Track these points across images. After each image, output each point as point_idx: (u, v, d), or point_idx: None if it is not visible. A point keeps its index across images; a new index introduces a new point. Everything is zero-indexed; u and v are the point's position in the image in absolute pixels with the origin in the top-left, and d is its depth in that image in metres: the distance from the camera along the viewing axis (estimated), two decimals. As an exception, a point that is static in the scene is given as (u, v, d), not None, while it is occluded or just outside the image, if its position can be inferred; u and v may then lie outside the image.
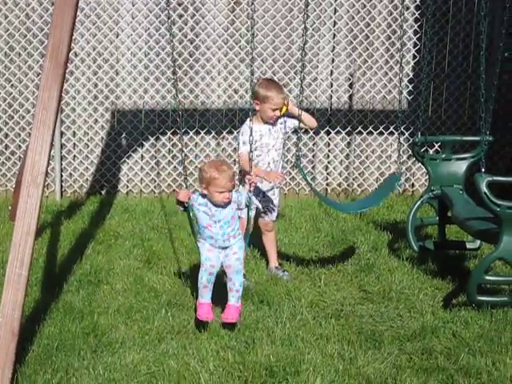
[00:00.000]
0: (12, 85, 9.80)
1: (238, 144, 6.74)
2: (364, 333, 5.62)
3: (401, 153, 7.30)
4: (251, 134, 5.96)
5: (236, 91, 10.07)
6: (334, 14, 10.13)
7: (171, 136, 10.08)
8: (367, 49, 10.21)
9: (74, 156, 10.04)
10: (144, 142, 10.10)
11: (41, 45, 9.62)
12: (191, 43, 9.92)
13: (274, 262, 7.01)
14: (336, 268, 7.10)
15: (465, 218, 6.41)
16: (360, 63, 10.24)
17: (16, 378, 4.78)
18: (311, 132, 9.95)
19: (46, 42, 5.71)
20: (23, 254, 4.93)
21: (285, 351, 5.23)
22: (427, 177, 7.66)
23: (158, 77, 9.96)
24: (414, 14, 10.18)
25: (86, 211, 9.08)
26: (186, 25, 9.89)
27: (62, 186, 10.01)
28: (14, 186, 8.84)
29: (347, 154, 10.46)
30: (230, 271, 5.68)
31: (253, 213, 6.12)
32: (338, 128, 10.29)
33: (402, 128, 10.09)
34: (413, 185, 10.60)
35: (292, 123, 6.78)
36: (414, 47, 10.25)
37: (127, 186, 10.14)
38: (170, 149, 10.14)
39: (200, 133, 10.03)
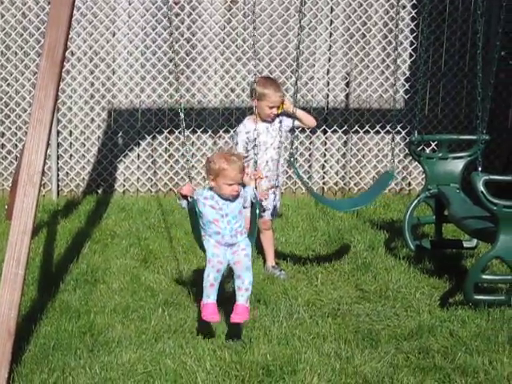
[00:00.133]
0: (8, 84, 9.79)
1: (237, 144, 6.74)
2: (361, 332, 5.62)
3: (397, 151, 7.31)
4: (254, 132, 5.86)
5: (233, 90, 10.07)
6: (331, 12, 10.12)
7: (168, 135, 10.07)
8: (364, 48, 10.21)
9: (71, 155, 10.03)
10: (141, 141, 10.09)
11: (37, 44, 9.61)
12: (188, 42, 9.91)
13: (271, 261, 7.01)
14: (333, 267, 7.09)
15: (461, 217, 6.41)
16: (357, 62, 10.23)
17: (12, 377, 4.78)
18: (308, 131, 9.95)
19: (43, 40, 5.69)
20: (19, 253, 4.92)
21: (282, 350, 5.23)
22: (424, 175, 7.66)
23: (154, 76, 9.95)
24: (411, 12, 10.18)
25: (83, 210, 9.07)
26: (182, 24, 9.88)
27: (58, 185, 10.00)
28: (10, 185, 8.83)
29: (344, 153, 10.46)
30: (239, 268, 5.39)
31: (263, 206, 5.92)
32: (335, 127, 10.28)
33: (398, 127, 10.13)
34: (409, 184, 10.60)
35: (290, 122, 6.78)
36: (410, 46, 10.25)
37: (124, 185, 10.13)
38: (166, 148, 10.13)
39: (197, 131, 10.03)
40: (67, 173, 10.03)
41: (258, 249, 7.25)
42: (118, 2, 9.79)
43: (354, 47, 10.17)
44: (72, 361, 5.07)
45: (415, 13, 10.12)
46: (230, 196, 5.36)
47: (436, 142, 9.52)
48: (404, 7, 10.17)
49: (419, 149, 7.57)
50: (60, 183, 10.03)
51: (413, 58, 10.24)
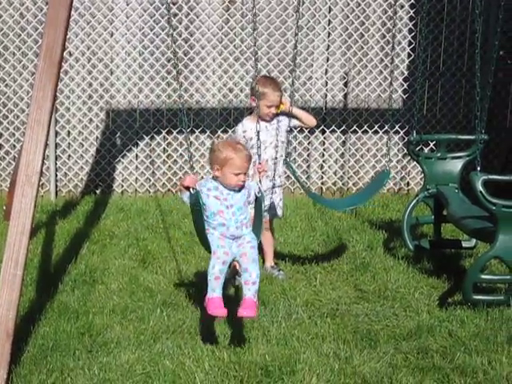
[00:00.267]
0: (6, 84, 9.78)
1: None
2: (360, 332, 5.61)
3: (395, 151, 7.30)
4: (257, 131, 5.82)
5: (231, 90, 10.06)
6: (329, 12, 10.12)
7: (166, 135, 10.07)
8: (362, 47, 10.21)
9: (69, 155, 10.02)
10: (139, 142, 10.08)
11: (35, 44, 9.61)
12: (186, 42, 9.91)
13: (270, 261, 7.00)
14: (331, 267, 7.09)
15: (460, 217, 6.40)
16: (355, 62, 10.23)
17: (11, 378, 4.77)
18: (306, 131, 9.95)
19: (41, 41, 5.68)
20: (18, 254, 4.91)
21: (280, 351, 5.22)
22: (422, 175, 7.66)
23: (152, 76, 9.94)
24: (409, 12, 10.18)
25: (81, 211, 9.06)
26: (180, 24, 9.88)
27: (56, 186, 9.99)
28: (8, 185, 8.82)
29: (342, 153, 10.45)
30: (245, 261, 5.19)
31: (264, 205, 5.79)
32: (333, 127, 10.28)
33: (397, 126, 10.13)
34: (408, 183, 10.60)
35: (292, 122, 6.76)
36: (408, 46, 10.25)
37: (122, 186, 10.13)
38: (164, 148, 10.12)
39: (195, 132, 10.02)
40: (65, 173, 10.02)
41: (258, 249, 7.24)
42: (115, 3, 9.79)
43: (352, 47, 10.17)
44: (71, 361, 5.06)
45: (413, 12, 10.13)
46: (236, 186, 5.24)
47: (434, 142, 9.52)
48: (402, 7, 10.18)
49: (418, 149, 7.56)
50: (58, 184, 10.02)
51: (411, 58, 10.24)
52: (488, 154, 10.08)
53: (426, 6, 7.28)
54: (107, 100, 9.95)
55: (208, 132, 10.07)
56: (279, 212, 7.00)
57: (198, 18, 9.89)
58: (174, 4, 9.77)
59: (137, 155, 10.14)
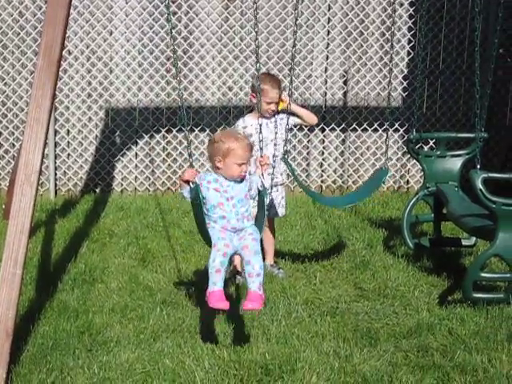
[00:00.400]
0: (5, 83, 9.77)
1: None
2: (360, 330, 5.61)
3: (395, 149, 7.28)
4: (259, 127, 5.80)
5: (230, 88, 10.06)
6: (328, 10, 10.12)
7: (165, 134, 10.06)
8: (361, 46, 10.20)
9: (68, 154, 10.01)
10: (138, 140, 10.08)
11: (34, 43, 9.60)
12: (185, 41, 9.90)
13: (269, 259, 6.99)
14: (331, 265, 7.09)
15: (460, 215, 6.40)
16: (354, 60, 10.22)
17: (11, 377, 4.76)
18: (306, 129, 9.95)
19: (40, 39, 5.67)
20: (17, 253, 4.91)
21: (280, 349, 5.22)
22: (422, 173, 7.65)
23: (151, 74, 9.94)
24: (409, 10, 10.17)
25: (81, 209, 9.05)
26: (179, 22, 9.87)
27: (56, 185, 9.99)
28: (7, 184, 8.82)
29: (342, 151, 10.45)
30: (247, 253, 5.08)
31: (267, 200, 5.73)
32: (333, 125, 10.28)
33: (396, 124, 10.13)
34: (408, 181, 10.60)
35: (292, 120, 6.76)
36: (408, 44, 10.25)
37: (122, 184, 10.12)
38: (164, 146, 10.12)
39: (194, 130, 10.01)
40: (65, 172, 10.02)
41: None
42: (114, 1, 9.78)
43: (352, 45, 10.17)
44: (70, 361, 5.05)
45: (413, 10, 10.12)
46: (239, 177, 5.19)
47: (434, 140, 9.51)
48: (401, 5, 10.17)
49: (417, 147, 7.57)
50: (58, 182, 10.02)
51: (410, 56, 10.24)
52: (488, 152, 10.08)
53: (425, 4, 7.27)
54: (106, 98, 9.94)
55: (207, 130, 10.06)
56: (281, 210, 6.99)
57: (197, 16, 9.88)
58: (173, 2, 9.76)
59: (136, 154, 10.13)
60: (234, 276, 6.60)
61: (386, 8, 10.11)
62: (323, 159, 10.41)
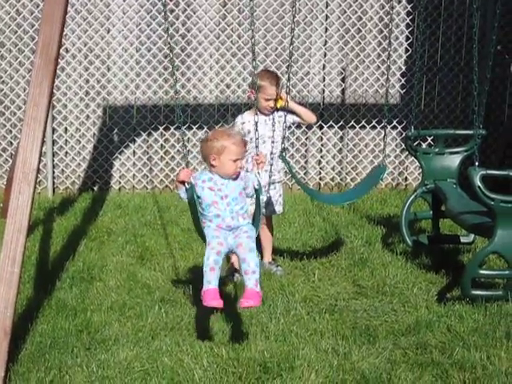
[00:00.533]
0: (3, 81, 9.76)
1: None
2: (358, 328, 5.60)
3: (393, 146, 7.27)
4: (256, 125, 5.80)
5: (228, 86, 10.05)
6: (326, 7, 10.11)
7: (163, 131, 10.06)
8: (359, 42, 10.19)
9: (66, 152, 10.01)
10: (136, 138, 10.07)
11: (31, 41, 9.59)
12: (183, 38, 9.89)
13: (267, 257, 6.99)
14: (330, 263, 7.09)
15: (459, 212, 6.40)
16: (352, 57, 10.22)
17: (9, 376, 4.76)
18: (304, 126, 9.94)
19: (37, 38, 5.66)
20: (15, 252, 4.90)
21: (279, 347, 5.21)
22: (420, 171, 7.64)
23: (149, 72, 9.93)
24: (406, 7, 10.17)
25: (79, 208, 9.05)
26: (177, 20, 9.86)
27: (54, 183, 9.99)
28: (5, 183, 8.81)
29: (340, 149, 10.45)
30: (242, 251, 5.08)
31: (264, 198, 5.70)
32: (331, 122, 10.27)
33: (395, 122, 10.13)
34: (406, 179, 10.60)
35: (291, 118, 6.74)
36: (406, 41, 10.24)
37: (119, 182, 10.12)
38: (162, 144, 10.11)
39: (192, 128, 10.01)
40: (63, 170, 10.01)
41: (257, 244, 7.24)
42: (112, -1, 9.78)
43: (350, 42, 10.16)
44: (69, 359, 5.05)
45: (411, 7, 10.12)
46: (234, 174, 5.21)
47: (432, 137, 9.51)
48: (399, 1, 10.17)
49: (416, 144, 7.56)
50: (55, 181, 10.02)
51: (408, 53, 10.23)
52: (486, 148, 10.08)
53: (423, 1, 7.29)
54: (104, 96, 9.94)
55: (205, 128, 10.05)
56: (279, 208, 6.98)
57: (195, 13, 9.88)
58: (170, 0, 9.75)
59: (134, 152, 10.12)
60: (232, 274, 6.60)
61: (384, 5, 10.11)
62: (321, 156, 10.41)
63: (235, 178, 5.24)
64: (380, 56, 10.23)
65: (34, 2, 9.60)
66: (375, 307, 6.04)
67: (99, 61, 9.86)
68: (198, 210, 5.17)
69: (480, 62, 6.56)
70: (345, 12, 10.10)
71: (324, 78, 10.25)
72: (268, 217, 6.96)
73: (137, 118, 10.02)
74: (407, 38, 10.22)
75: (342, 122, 10.30)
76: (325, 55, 10.23)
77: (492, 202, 5.64)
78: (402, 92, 10.32)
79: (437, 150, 7.25)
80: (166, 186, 10.12)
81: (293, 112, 6.75)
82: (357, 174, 10.41)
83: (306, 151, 10.37)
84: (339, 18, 10.11)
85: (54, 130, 9.89)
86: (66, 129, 9.97)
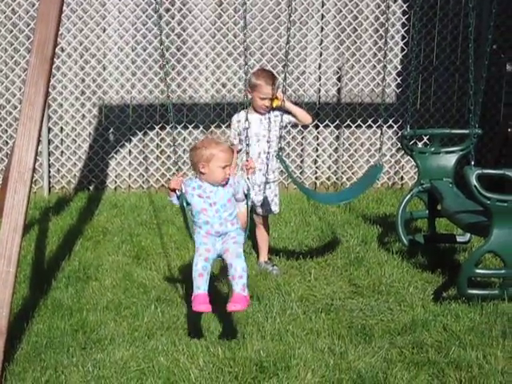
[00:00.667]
0: (-2, 80, 9.75)
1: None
2: (354, 327, 5.61)
3: (389, 145, 7.27)
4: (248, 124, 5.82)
5: (224, 85, 10.04)
6: (322, 7, 10.11)
7: (159, 131, 10.05)
8: (355, 42, 10.19)
9: (62, 152, 9.99)
10: (132, 137, 10.06)
11: (27, 40, 9.57)
12: (178, 37, 9.88)
13: (263, 256, 7.00)
14: (326, 262, 7.09)
15: (455, 212, 6.40)
16: (348, 56, 10.22)
17: (5, 376, 4.76)
18: (300, 126, 9.93)
19: (33, 37, 5.66)
20: (11, 251, 4.91)
21: (275, 346, 5.21)
22: (416, 170, 7.64)
23: (145, 71, 9.92)
24: (402, 6, 10.17)
25: (74, 207, 9.04)
26: (173, 19, 9.85)
27: (49, 182, 9.97)
28: (0, 182, 8.79)
29: (336, 148, 10.45)
30: (229, 256, 5.25)
31: (258, 201, 5.80)
32: (327, 121, 10.27)
33: (390, 121, 10.13)
34: (402, 178, 10.60)
35: (286, 118, 6.73)
36: (401, 40, 10.24)
37: (115, 182, 10.11)
38: (158, 143, 10.11)
39: (188, 127, 10.00)
40: (58, 169, 10.00)
41: (253, 244, 7.25)
42: (108, -2, 9.77)
43: (346, 41, 10.16)
44: (64, 359, 5.05)
45: (406, 6, 10.12)
46: (223, 180, 5.33)
47: (428, 137, 9.51)
48: (395, 1, 10.17)
49: (411, 143, 7.56)
50: (51, 180, 10.00)
51: (404, 52, 10.24)
52: (482, 148, 10.09)
53: (418, 0, 7.25)
54: (100, 96, 9.92)
55: (201, 127, 10.05)
56: (275, 208, 6.98)
57: (190, 12, 9.87)
58: (166, -2, 9.75)
59: (130, 151, 10.11)
60: (227, 276, 6.59)
61: (380, 4, 10.10)
62: (317, 156, 10.40)
63: (224, 185, 5.37)
64: (376, 55, 10.24)
65: (30, 1, 9.58)
66: (371, 306, 6.04)
67: (95, 60, 9.85)
68: (189, 216, 5.40)
69: (476, 61, 6.58)
70: (340, 11, 10.09)
71: (320, 77, 10.25)
72: (264, 216, 6.97)
73: (132, 118, 10.01)
74: (403, 38, 10.22)
75: (337, 122, 10.30)
76: (320, 54, 10.23)
77: (488, 201, 5.65)
78: (397, 91, 10.32)
79: (433, 149, 7.25)
80: (162, 185, 10.11)
81: (288, 112, 6.74)
82: (353, 173, 10.41)
83: (301, 150, 10.36)
84: (335, 17, 10.11)
85: (49, 130, 9.87)
86: (61, 128, 9.96)
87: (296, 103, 7.85)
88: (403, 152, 8.92)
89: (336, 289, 6.46)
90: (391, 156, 10.50)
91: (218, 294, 5.93)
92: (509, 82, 10.41)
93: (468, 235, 7.07)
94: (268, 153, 6.73)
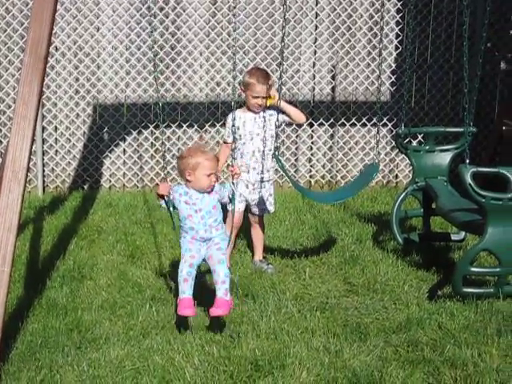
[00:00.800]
0: (-8, 80, 9.73)
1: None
2: (349, 325, 5.61)
3: (383, 144, 7.27)
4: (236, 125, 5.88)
5: (218, 84, 10.03)
6: (316, 5, 10.10)
7: (153, 130, 10.03)
8: (349, 40, 10.19)
9: (56, 151, 9.97)
10: (126, 136, 10.05)
11: (21, 39, 9.55)
12: (173, 36, 9.87)
13: (258, 255, 7.00)
14: (320, 260, 7.09)
15: (449, 210, 6.40)
16: (342, 55, 10.21)
17: (0, 375, 4.74)
18: (294, 124, 9.92)
19: (26, 36, 5.65)
20: (5, 251, 4.89)
21: (270, 345, 5.21)
22: (411, 168, 7.64)
23: (139, 70, 9.91)
24: (396, 4, 10.17)
25: (69, 206, 9.03)
26: (167, 18, 9.83)
27: (44, 181, 9.95)
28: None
29: (330, 146, 10.44)
30: (212, 262, 5.49)
31: (236, 207, 5.92)
32: (321, 120, 10.27)
33: (385, 119, 10.13)
34: (396, 176, 10.60)
35: (281, 117, 6.71)
36: (396, 38, 10.24)
37: (110, 181, 10.09)
38: (152, 143, 10.09)
39: (182, 126, 9.99)
40: (53, 169, 9.98)
41: (248, 242, 7.25)
42: (101, -3, 9.75)
43: (340, 40, 10.16)
44: (60, 358, 5.04)
45: (400, 5, 10.12)
46: (209, 187, 5.50)
47: (423, 135, 9.51)
48: (389, -1, 10.17)
49: (406, 141, 7.56)
50: (45, 179, 9.98)
51: (399, 51, 10.24)
52: (476, 146, 10.08)
53: (413, -1, 7.26)
54: (94, 95, 9.91)
55: (196, 126, 10.04)
56: (269, 207, 6.98)
57: (184, 11, 9.85)
58: (159, -3, 9.73)
59: (124, 150, 10.10)
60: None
61: (374, 2, 10.10)
62: (312, 154, 10.40)
63: (210, 192, 5.55)
64: (370, 54, 10.24)
65: (24, 1, 9.55)
66: (366, 305, 6.04)
67: (89, 59, 9.83)
68: (175, 221, 5.65)
69: (470, 60, 6.58)
70: (335, 9, 10.09)
71: (314, 75, 10.24)
72: (259, 216, 6.97)
73: (127, 117, 10.00)
74: (397, 36, 10.22)
75: (332, 120, 10.30)
76: (315, 53, 10.22)
77: (483, 200, 5.65)
78: (392, 89, 10.32)
79: (427, 147, 7.25)
80: (157, 184, 10.09)
81: (283, 111, 6.74)
82: (347, 171, 10.41)
83: (296, 149, 10.36)
84: (329, 15, 10.10)
85: (43, 129, 9.85)
86: (55, 127, 9.94)
87: (290, 102, 7.85)
88: (398, 150, 8.92)
89: (331, 287, 6.46)
90: (386, 154, 10.50)
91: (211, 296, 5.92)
92: (503, 80, 10.42)
93: (463, 233, 7.08)
94: (262, 152, 6.73)
